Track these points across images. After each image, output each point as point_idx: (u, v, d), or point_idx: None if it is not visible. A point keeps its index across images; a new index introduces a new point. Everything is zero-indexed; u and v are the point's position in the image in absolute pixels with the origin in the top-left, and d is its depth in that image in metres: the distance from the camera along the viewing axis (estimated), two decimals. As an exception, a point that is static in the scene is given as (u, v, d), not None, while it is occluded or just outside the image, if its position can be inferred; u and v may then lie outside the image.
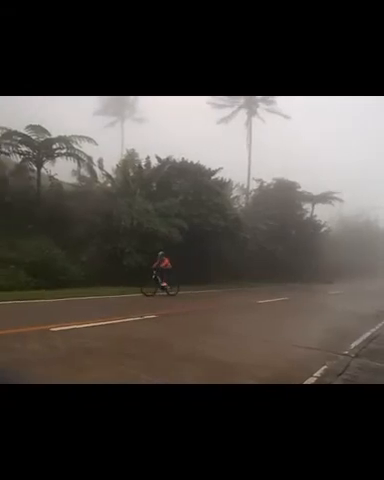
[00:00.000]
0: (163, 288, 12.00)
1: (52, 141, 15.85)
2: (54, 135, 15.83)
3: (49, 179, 16.37)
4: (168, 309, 9.07)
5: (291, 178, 27.51)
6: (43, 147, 15.72)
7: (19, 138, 15.34)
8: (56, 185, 16.50)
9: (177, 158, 19.28)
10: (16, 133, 15.23)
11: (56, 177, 16.52)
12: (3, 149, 15.28)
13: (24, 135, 15.37)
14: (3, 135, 15.14)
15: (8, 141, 15.30)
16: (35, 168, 15.90)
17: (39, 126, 15.57)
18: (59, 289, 10.88)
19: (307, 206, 30.32)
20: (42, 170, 16.07)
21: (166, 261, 12.42)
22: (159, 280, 12.02)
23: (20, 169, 15.77)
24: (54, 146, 16.06)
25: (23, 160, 15.77)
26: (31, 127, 15.48)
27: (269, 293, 14.64)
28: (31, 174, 16.03)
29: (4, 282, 10.42)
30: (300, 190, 28.39)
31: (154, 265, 12.28)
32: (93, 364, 4.24)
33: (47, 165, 16.24)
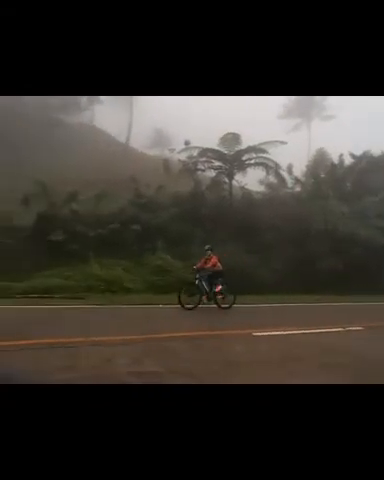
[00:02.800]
0: (210, 298, 8.60)
1: (242, 152, 16.60)
2: (243, 145, 16.55)
3: (240, 189, 17.18)
4: (379, 321, 7.87)
5: None
6: (234, 160, 16.63)
7: (213, 154, 16.71)
8: (247, 194, 17.18)
9: (375, 152, 17.19)
10: (210, 150, 16.64)
11: (246, 187, 17.22)
12: (200, 166, 16.98)
13: (217, 151, 16.64)
14: (199, 153, 16.79)
15: (203, 159, 16.89)
16: (227, 180, 16.97)
17: (231, 134, 16.46)
18: (251, 295, 11.06)
19: None
20: (233, 182, 17.02)
21: (214, 260, 8.81)
22: (204, 286, 8.57)
23: (214, 183, 17.15)
24: (244, 157, 16.78)
25: (217, 174, 17.09)
26: (222, 141, 16.56)
27: None
28: (224, 186, 17.19)
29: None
30: None
31: (198, 265, 8.93)
32: (297, 370, 3.99)
33: (238, 176, 17.13)
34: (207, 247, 9.01)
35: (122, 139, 28.22)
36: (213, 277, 8.62)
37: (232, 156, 16.58)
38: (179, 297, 8.19)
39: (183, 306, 8.12)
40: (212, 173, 17.23)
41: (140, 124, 29.79)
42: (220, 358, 4.36)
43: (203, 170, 17.20)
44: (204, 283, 8.55)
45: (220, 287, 8.58)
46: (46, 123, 19.54)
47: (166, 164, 18.58)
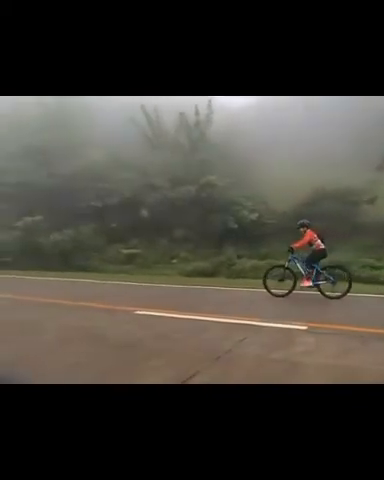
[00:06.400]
0: (311, 283, 6.80)
1: None
2: None
3: None
4: None
5: None
6: None
7: None
8: None
9: None
10: None
11: None
12: None
13: None
14: None
15: None
16: None
17: None
18: None
19: None
20: None
21: (310, 235, 6.91)
22: (299, 269, 6.99)
23: None
24: None
25: None
26: None
27: None
28: None
29: None
30: None
31: (295, 244, 7.04)
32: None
33: None
34: (300, 222, 7.14)
35: None
36: (312, 258, 6.93)
37: None
38: (265, 281, 7.03)
39: (270, 292, 6.93)
40: None
41: None
42: None
43: None
44: (299, 265, 7.03)
45: (308, 281, 6.80)
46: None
47: None
